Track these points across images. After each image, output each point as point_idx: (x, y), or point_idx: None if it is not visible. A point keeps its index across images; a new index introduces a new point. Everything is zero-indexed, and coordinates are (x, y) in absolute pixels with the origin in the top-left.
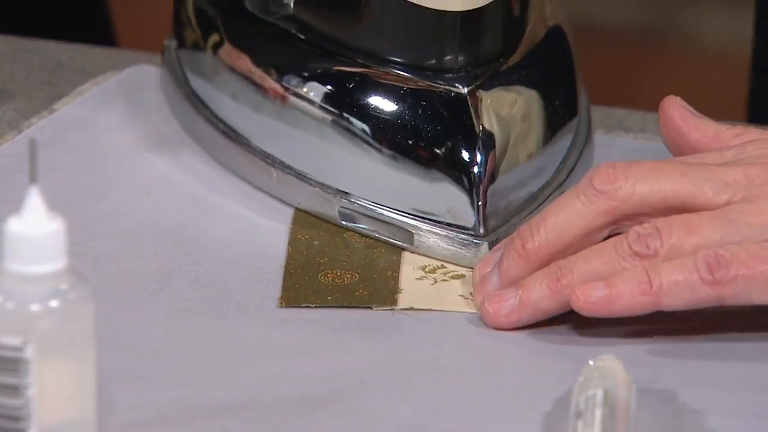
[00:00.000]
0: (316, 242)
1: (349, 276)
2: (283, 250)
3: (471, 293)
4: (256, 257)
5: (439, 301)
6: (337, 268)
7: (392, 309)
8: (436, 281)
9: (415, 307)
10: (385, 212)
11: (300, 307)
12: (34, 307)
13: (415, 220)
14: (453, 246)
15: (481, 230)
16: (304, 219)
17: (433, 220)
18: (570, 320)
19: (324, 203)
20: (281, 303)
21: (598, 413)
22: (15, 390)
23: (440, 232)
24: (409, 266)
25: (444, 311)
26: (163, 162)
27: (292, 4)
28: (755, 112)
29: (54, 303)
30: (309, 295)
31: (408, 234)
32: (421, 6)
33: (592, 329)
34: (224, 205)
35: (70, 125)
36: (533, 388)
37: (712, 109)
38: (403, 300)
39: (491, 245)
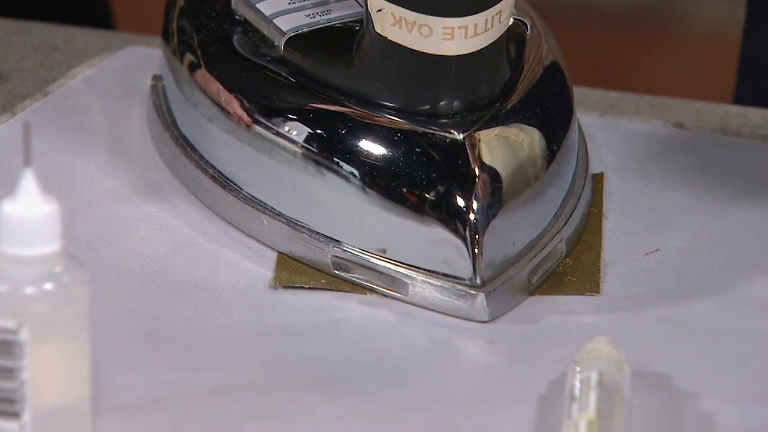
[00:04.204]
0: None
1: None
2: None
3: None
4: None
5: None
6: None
7: (386, 294)
8: None
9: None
10: (379, 262)
11: (293, 287)
12: (29, 290)
13: (410, 270)
14: (449, 297)
15: (478, 281)
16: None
17: (429, 270)
18: (564, 303)
19: (316, 252)
20: (275, 283)
21: (593, 396)
22: (9, 373)
23: (435, 283)
24: None
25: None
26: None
27: (282, 47)
28: (742, 92)
29: (48, 286)
30: (302, 278)
31: (403, 284)
32: (416, 50)
33: (586, 312)
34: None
35: (64, 108)
36: (528, 371)
37: (706, 91)
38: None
39: (488, 296)
